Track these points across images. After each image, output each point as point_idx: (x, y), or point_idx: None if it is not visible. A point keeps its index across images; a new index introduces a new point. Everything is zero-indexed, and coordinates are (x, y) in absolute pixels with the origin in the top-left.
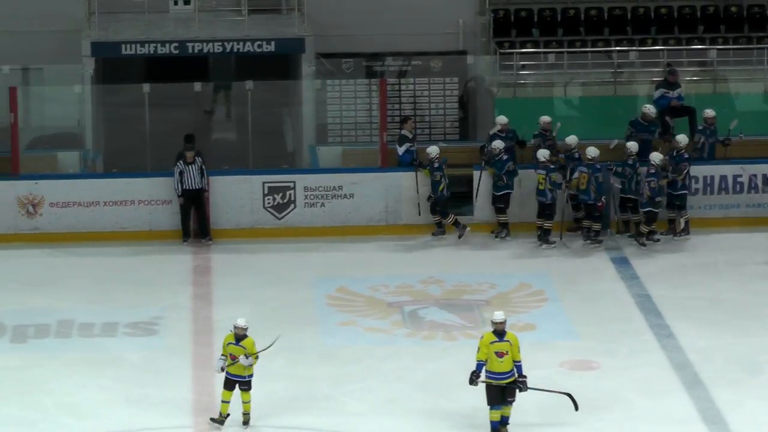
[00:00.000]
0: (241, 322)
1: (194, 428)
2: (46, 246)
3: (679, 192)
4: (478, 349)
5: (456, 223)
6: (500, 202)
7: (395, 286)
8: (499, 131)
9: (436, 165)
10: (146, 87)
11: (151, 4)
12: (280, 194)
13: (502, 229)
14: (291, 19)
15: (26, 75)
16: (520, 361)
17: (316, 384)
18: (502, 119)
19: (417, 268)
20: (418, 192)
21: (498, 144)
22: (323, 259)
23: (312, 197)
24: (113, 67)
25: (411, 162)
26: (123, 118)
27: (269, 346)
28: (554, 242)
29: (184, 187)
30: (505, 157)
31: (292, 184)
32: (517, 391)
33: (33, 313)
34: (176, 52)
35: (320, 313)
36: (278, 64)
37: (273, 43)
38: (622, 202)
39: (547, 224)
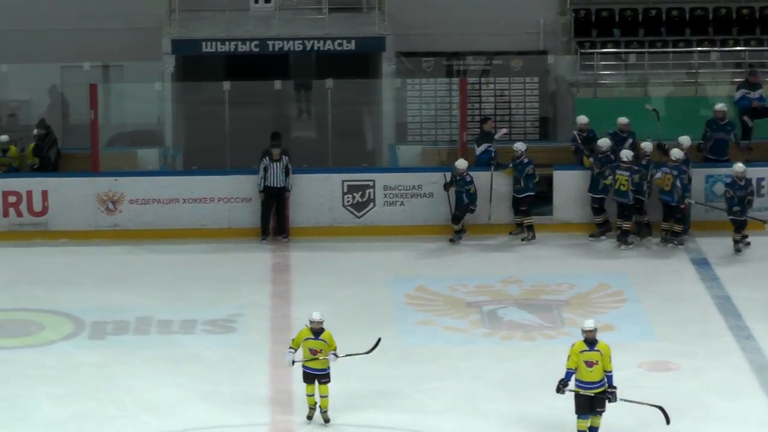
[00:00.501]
0: (316, 315)
1: (271, 426)
2: (126, 243)
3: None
4: (568, 357)
5: (461, 231)
6: (522, 205)
7: (474, 285)
8: (579, 131)
9: (468, 179)
10: (226, 85)
11: (232, 2)
12: (360, 193)
13: (527, 232)
14: (371, 17)
15: (107, 72)
16: (611, 371)
17: (394, 382)
18: (582, 119)
19: (496, 267)
20: (449, 202)
21: (520, 146)
22: (402, 258)
23: (391, 196)
24: (193, 64)
25: (444, 184)
26: (203, 115)
27: (369, 351)
28: (632, 243)
29: (266, 183)
30: (526, 161)
31: (371, 183)
32: (607, 402)
33: (112, 309)
34: (256, 50)
35: (399, 312)
36: (358, 63)
37: (353, 41)
38: (600, 203)
39: (626, 225)
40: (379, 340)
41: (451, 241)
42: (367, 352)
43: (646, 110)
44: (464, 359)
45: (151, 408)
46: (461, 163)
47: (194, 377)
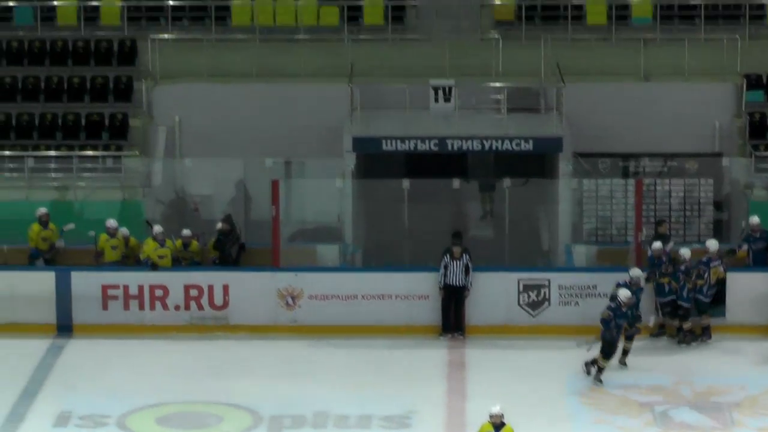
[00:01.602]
0: (495, 409)
1: None
2: (304, 337)
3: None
4: None
5: (593, 364)
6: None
7: (646, 386)
8: (752, 232)
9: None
10: (406, 182)
11: (412, 100)
12: (535, 292)
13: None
14: (550, 118)
15: (288, 168)
16: None
17: None
18: (754, 220)
19: (668, 368)
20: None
21: (636, 272)
22: (577, 356)
23: (566, 295)
24: (373, 161)
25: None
26: (382, 212)
27: None
28: None
29: (446, 281)
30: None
31: (546, 282)
32: None
33: (289, 403)
34: (435, 148)
35: (573, 411)
36: (534, 162)
37: (531, 141)
38: (672, 306)
39: None
40: None
41: (591, 375)
42: None
43: None
44: None
45: None
46: (623, 293)
47: None
